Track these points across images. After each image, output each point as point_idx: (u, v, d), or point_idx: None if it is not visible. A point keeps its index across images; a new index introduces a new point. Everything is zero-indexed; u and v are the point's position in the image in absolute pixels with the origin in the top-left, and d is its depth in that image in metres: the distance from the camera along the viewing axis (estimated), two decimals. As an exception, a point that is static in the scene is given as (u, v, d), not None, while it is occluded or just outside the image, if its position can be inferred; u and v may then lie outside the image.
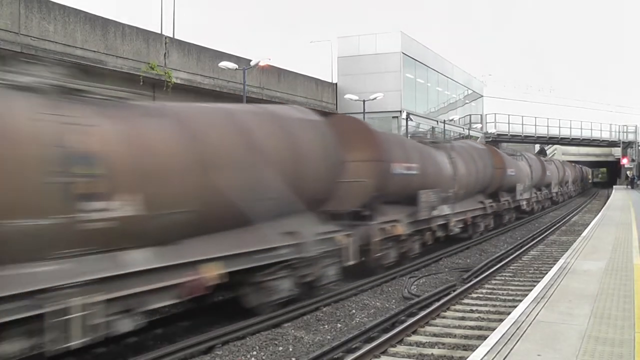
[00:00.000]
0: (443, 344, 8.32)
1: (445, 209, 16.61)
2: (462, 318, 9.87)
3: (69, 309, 6.20)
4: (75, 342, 6.28)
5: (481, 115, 57.47)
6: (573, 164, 57.19)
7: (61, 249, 6.35)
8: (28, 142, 6.13)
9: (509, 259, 15.79)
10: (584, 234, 17.28)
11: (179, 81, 25.14)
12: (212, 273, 8.01)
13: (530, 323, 7.01)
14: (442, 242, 17.27)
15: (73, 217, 6.39)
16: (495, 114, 57.10)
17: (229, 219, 8.51)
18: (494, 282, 13.03)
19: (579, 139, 62.71)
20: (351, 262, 11.24)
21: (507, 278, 13.48)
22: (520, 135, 57.74)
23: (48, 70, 6.93)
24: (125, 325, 6.98)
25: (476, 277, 13.28)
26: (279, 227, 9.54)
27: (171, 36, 27.67)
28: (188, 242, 7.90)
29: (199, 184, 7.84)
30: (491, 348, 6.05)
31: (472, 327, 9.27)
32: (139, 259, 7.15)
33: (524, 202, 27.11)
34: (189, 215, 7.72)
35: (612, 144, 66.09)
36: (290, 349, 8.22)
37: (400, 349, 8.15)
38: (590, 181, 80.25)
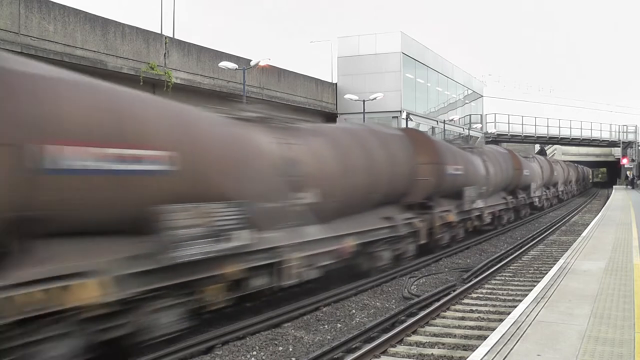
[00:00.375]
0: (443, 344, 8.32)
1: (480, 203, 20.10)
2: (462, 318, 9.88)
3: (286, 261, 9.52)
4: (289, 282, 9.71)
5: (481, 115, 57.46)
6: (575, 165, 57.22)
7: (281, 222, 9.58)
8: (268, 156, 9.43)
9: (509, 259, 15.79)
10: (584, 234, 17.29)
11: (178, 81, 25.16)
12: (350, 244, 11.40)
13: (530, 323, 7.01)
14: (472, 232, 20.15)
15: (288, 203, 9.66)
16: (495, 114, 57.11)
17: (357, 207, 12.01)
18: (494, 282, 13.04)
19: (579, 139, 62.72)
20: (422, 242, 14.89)
21: (507, 278, 13.48)
22: (520, 135, 57.76)
23: (260, 107, 10.29)
24: (311, 274, 10.29)
25: (476, 277, 13.29)
26: (381, 213, 13.08)
27: (171, 36, 27.68)
28: (336, 222, 11.21)
29: (343, 183, 11.19)
30: (491, 348, 6.06)
31: (472, 327, 9.27)
32: (313, 231, 10.29)
33: (536, 199, 31.05)
34: (338, 203, 11.13)
35: (612, 144, 66.11)
36: (290, 349, 8.23)
37: (400, 349, 8.15)
38: (590, 181, 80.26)
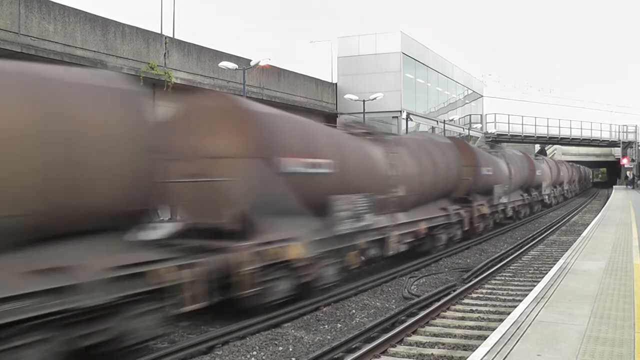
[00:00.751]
0: (443, 344, 8.32)
1: (504, 199, 23.43)
2: (462, 318, 9.88)
3: (390, 237, 13.42)
4: (390, 253, 13.64)
5: (481, 115, 57.46)
6: (577, 165, 57.25)
7: (385, 209, 13.35)
8: (381, 164, 13.53)
9: (509, 259, 15.80)
10: (584, 234, 17.29)
11: (178, 81, 25.15)
12: (424, 226, 15.44)
13: (530, 323, 7.02)
14: (497, 224, 22.65)
15: (390, 195, 13.66)
16: (495, 114, 57.08)
17: (426, 199, 16.06)
18: (494, 282, 13.04)
19: (579, 139, 62.69)
20: (466, 228, 18.54)
21: (507, 278, 13.48)
22: (520, 135, 57.73)
23: (366, 125, 14.93)
24: (402, 247, 14.18)
25: (476, 277, 13.29)
26: (439, 205, 17.10)
27: (171, 36, 27.68)
28: (413, 210, 15.23)
29: (419, 182, 15.36)
30: (491, 348, 6.06)
31: (472, 327, 9.27)
32: (401, 217, 14.26)
33: (547, 196, 34.21)
34: (416, 197, 15.18)
35: (612, 144, 66.08)
36: (290, 349, 8.23)
37: (400, 349, 8.16)
38: (590, 181, 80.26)
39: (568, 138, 62.04)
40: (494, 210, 22.13)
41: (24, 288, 5.97)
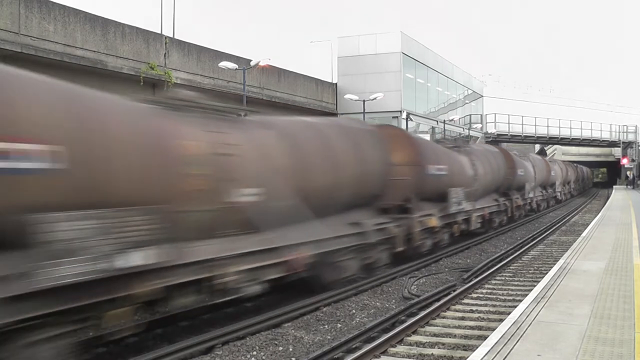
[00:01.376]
0: (443, 344, 8.32)
1: (467, 205, 19.21)
2: (462, 318, 9.87)
3: (472, 217, 18.11)
4: (472, 228, 17.84)
5: (481, 115, 57.47)
6: (574, 164, 57.25)
7: (469, 199, 17.03)
8: (467, 167, 18.66)
9: (509, 259, 15.79)
10: (584, 234, 17.29)
11: (179, 81, 25.13)
12: (487, 212, 19.00)
13: (530, 323, 7.01)
14: (461, 236, 19.49)
15: (472, 189, 17.10)
16: (495, 114, 57.10)
17: (486, 193, 18.15)
18: (494, 282, 13.03)
19: (579, 139, 62.71)
20: (510, 215, 18.86)
21: (507, 278, 13.48)
22: (520, 136, 57.75)
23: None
24: (477, 225, 17.39)
25: (476, 277, 13.29)
26: (347, 218, 12.03)
27: (171, 36, 27.68)
28: (480, 200, 19.04)
29: (484, 180, 17.77)
30: (491, 348, 6.05)
31: (472, 327, 9.26)
32: (477, 204, 17.86)
33: (531, 200, 31.67)
34: (483, 190, 16.82)
35: (612, 144, 66.10)
36: (290, 349, 8.22)
37: (400, 349, 8.15)
38: (591, 181, 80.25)
39: (568, 138, 62.05)
40: (525, 203, 27.71)
41: (346, 231, 11.44)
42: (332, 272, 11.23)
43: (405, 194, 14.61)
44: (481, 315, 10.02)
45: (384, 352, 7.94)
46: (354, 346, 8.13)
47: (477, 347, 6.52)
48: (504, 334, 6.55)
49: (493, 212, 22.33)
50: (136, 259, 6.68)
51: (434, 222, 15.78)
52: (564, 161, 51.29)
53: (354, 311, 10.37)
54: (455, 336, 8.77)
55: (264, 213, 8.97)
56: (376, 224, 12.50)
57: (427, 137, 33.70)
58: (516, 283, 12.92)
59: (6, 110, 5.88)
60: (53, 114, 6.32)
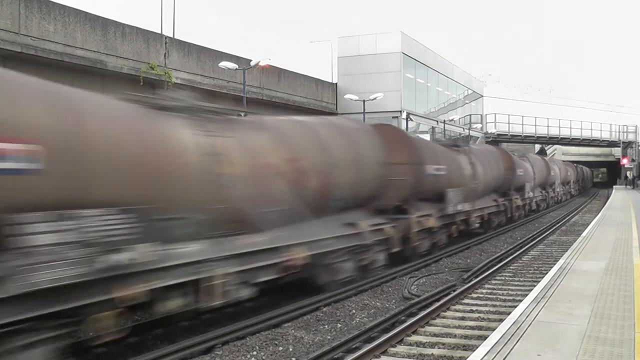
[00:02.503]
0: (443, 344, 8.32)
1: (466, 206, 18.98)
2: (462, 318, 9.87)
3: (471, 217, 18.08)
4: (471, 228, 18.34)
5: (481, 115, 57.47)
6: (574, 164, 57.26)
7: (468, 199, 17.86)
8: (466, 167, 18.49)
9: (509, 259, 15.79)
10: (584, 234, 17.29)
11: (179, 81, 25.14)
12: (485, 213, 18.09)
13: (530, 323, 7.01)
14: (459, 236, 19.14)
15: (471, 189, 17.30)
16: (495, 114, 57.11)
17: (486, 193, 17.54)
18: (494, 282, 13.03)
19: (579, 139, 62.71)
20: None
21: (507, 278, 13.48)
22: (520, 135, 57.76)
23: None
24: (476, 225, 17.06)
25: (476, 277, 13.28)
26: (343, 219, 11.86)
27: (171, 36, 27.69)
28: (479, 200, 19.25)
29: (484, 180, 18.36)
30: (491, 348, 6.05)
31: (472, 327, 9.26)
32: (475, 204, 17.87)
33: (531, 200, 31.24)
34: (482, 190, 16.98)
35: (612, 144, 66.09)
36: (290, 349, 8.22)
37: (400, 349, 8.15)
38: (591, 181, 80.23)
39: (568, 138, 62.06)
40: (525, 203, 27.67)
41: (342, 232, 11.28)
42: (328, 274, 11.04)
43: (402, 194, 14.42)
44: (481, 315, 10.02)
45: (384, 352, 7.94)
46: (354, 346, 8.13)
47: (477, 347, 6.52)
48: (504, 334, 6.55)
49: (492, 212, 22.17)
50: (118, 260, 6.54)
51: (432, 222, 15.61)
52: (564, 161, 51.28)
53: (354, 311, 10.37)
54: (455, 336, 8.77)
55: (257, 214, 8.83)
56: (372, 225, 12.34)
57: (427, 137, 33.26)
58: (516, 283, 12.92)
59: None
60: (30, 112, 6.10)
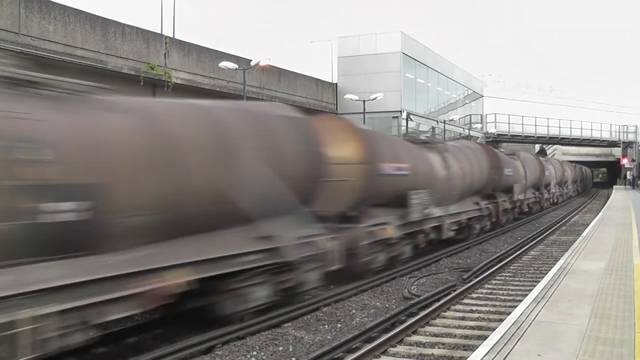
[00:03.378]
0: (443, 344, 8.32)
1: (437, 211, 16.20)
2: (462, 318, 9.87)
3: (444, 224, 16.84)
4: (444, 237, 16.94)
5: (481, 115, 57.47)
6: (573, 164, 57.23)
7: (441, 203, 16.84)
8: (438, 167, 17.34)
9: (509, 259, 15.79)
10: (584, 234, 17.28)
11: (179, 81, 25.15)
12: (464, 217, 18.80)
13: (531, 323, 7.01)
14: (431, 245, 16.96)
15: (444, 192, 16.80)
16: (495, 114, 57.11)
17: (465, 196, 19.23)
18: (494, 282, 13.03)
19: (579, 139, 62.70)
20: (494, 220, 19.34)
21: (507, 278, 13.48)
22: (521, 135, 57.75)
23: None
24: (451, 233, 17.42)
25: (476, 277, 13.28)
26: (256, 232, 9.08)
27: (171, 36, 27.69)
28: (457, 204, 18.53)
29: (462, 181, 18.79)
30: (491, 348, 6.05)
31: (472, 327, 9.26)
32: (451, 208, 17.67)
33: (521, 203, 28.96)
34: (459, 193, 18.51)
35: (612, 144, 66.08)
36: (291, 349, 8.22)
37: (401, 349, 8.15)
38: (591, 182, 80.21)
39: (568, 138, 62.06)
40: (514, 206, 25.75)
41: (248, 248, 8.90)
42: (231, 302, 8.77)
43: (348, 198, 12.41)
44: (481, 315, 10.02)
45: (384, 352, 7.94)
46: (354, 346, 8.13)
47: (477, 347, 6.52)
48: (504, 334, 6.55)
49: (472, 217, 19.67)
50: None
51: (390, 232, 13.40)
52: (562, 161, 51.07)
53: (354, 311, 10.37)
54: (455, 336, 8.77)
55: (454, 197, 10.93)
56: (485, 204, 14.52)
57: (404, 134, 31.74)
58: (516, 283, 12.92)
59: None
60: None
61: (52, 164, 6.19)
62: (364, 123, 30.66)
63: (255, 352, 8.03)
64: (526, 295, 9.22)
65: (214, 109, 9.14)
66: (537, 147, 72.22)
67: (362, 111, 32.25)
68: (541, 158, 37.94)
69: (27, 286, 5.87)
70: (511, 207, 24.88)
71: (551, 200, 37.09)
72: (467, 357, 6.30)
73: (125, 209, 6.91)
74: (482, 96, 59.06)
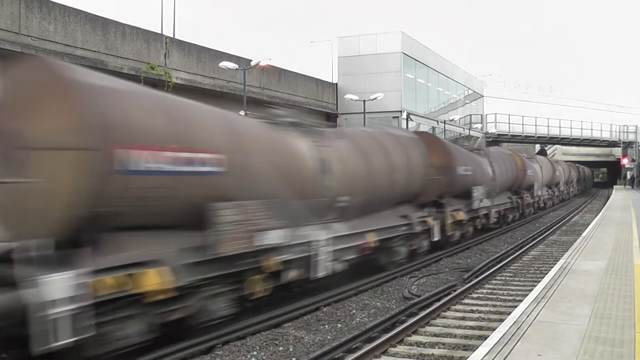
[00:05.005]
0: (443, 344, 8.32)
1: (487, 202, 20.83)
2: (463, 318, 9.87)
3: (318, 254, 10.49)
4: (319, 275, 10.75)
5: (481, 115, 57.44)
6: (575, 165, 57.25)
7: (314, 219, 10.98)
8: (307, 160, 10.62)
9: (509, 259, 15.79)
10: (584, 234, 17.28)
11: (179, 81, 25.15)
12: (371, 239, 13.03)
13: (531, 323, 7.01)
14: (479, 230, 20.73)
15: (320, 199, 10.80)
16: (495, 114, 57.09)
17: (377, 206, 13.60)
18: (494, 282, 13.03)
19: (579, 139, 62.70)
20: (436, 239, 15.88)
21: (507, 278, 13.48)
22: (521, 135, 57.75)
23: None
24: (338, 267, 11.70)
25: (476, 277, 13.28)
26: (399, 212, 14.27)
27: (171, 36, 27.69)
28: (359, 219, 13.44)
29: (367, 184, 12.48)
30: (491, 348, 6.05)
31: (472, 327, 9.26)
32: (339, 228, 12.02)
33: (539, 198, 33.16)
34: (362, 202, 12.68)
35: (612, 144, 66.08)
36: (291, 349, 8.22)
37: (401, 349, 8.15)
38: (591, 181, 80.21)
39: (568, 138, 62.05)
40: (534, 201, 29.01)
41: (399, 222, 13.90)
42: (389, 255, 13.65)
43: (439, 191, 16.59)
44: (481, 315, 10.02)
45: (385, 352, 7.95)
46: (354, 346, 8.14)
47: (477, 347, 6.52)
48: (504, 334, 6.55)
49: (507, 208, 24.70)
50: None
51: (462, 215, 18.12)
52: (566, 161, 51.39)
53: (354, 311, 10.37)
54: (455, 336, 8.77)
55: (347, 208, 11.48)
56: (419, 217, 14.96)
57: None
58: (516, 283, 12.92)
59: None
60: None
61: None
62: (364, 123, 30.74)
63: (255, 352, 8.03)
64: (526, 295, 9.22)
65: (379, 135, 13.96)
66: (538, 147, 72.20)
67: (362, 111, 32.25)
68: (549, 160, 40.57)
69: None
70: (532, 202, 29.59)
71: (561, 197, 41.81)
72: (468, 357, 6.31)
73: (353, 194, 11.66)
74: (483, 96, 59.03)
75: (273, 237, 9.08)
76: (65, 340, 6.23)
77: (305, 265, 9.97)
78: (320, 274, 10.34)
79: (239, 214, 8.33)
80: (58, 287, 6.21)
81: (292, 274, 9.80)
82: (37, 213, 6.68)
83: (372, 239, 12.36)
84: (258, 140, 9.43)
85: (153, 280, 7.29)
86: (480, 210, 20.05)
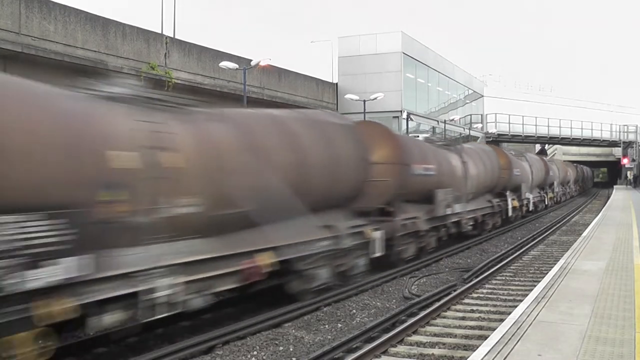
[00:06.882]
0: (444, 343, 8.32)
1: (457, 208, 18.16)
2: (463, 318, 9.87)
3: (463, 219, 16.95)
4: (463, 231, 17.07)
5: (482, 115, 57.45)
6: (574, 164, 57.24)
7: (460, 200, 16.75)
8: (458, 168, 17.12)
9: (509, 259, 15.78)
10: (584, 234, 17.28)
11: (179, 81, 25.16)
12: (479, 214, 17.77)
13: (531, 323, 7.01)
14: (451, 239, 18.53)
15: (463, 190, 17.15)
16: (495, 113, 57.11)
17: (479, 194, 17.52)
18: (494, 282, 13.03)
19: (579, 139, 62.71)
20: (377, 254, 12.82)
21: (507, 278, 13.48)
22: (521, 135, 57.76)
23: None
24: (468, 228, 16.68)
25: (477, 277, 13.28)
26: (320, 221, 10.78)
27: (172, 36, 27.70)
28: (472, 201, 18.21)
29: (477, 181, 17.30)
30: (492, 348, 6.05)
31: (472, 327, 9.27)
32: (468, 205, 17.48)
33: (528, 201, 31.14)
34: (475, 191, 17.08)
35: (612, 144, 66.09)
36: (291, 349, 8.22)
37: (401, 348, 8.15)
38: (592, 181, 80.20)
39: (568, 138, 62.07)
40: (522, 204, 27.13)
41: (316, 235, 10.35)
42: (301, 281, 10.14)
43: (386, 195, 13.87)
44: (482, 315, 10.02)
45: (385, 352, 7.95)
46: (354, 346, 8.14)
47: (477, 347, 6.52)
48: (504, 334, 6.55)
49: (486, 214, 21.53)
50: (42, 275, 5.72)
51: (516, 203, 18.93)
52: (564, 161, 51.29)
53: (354, 311, 10.37)
54: (455, 336, 8.77)
55: (470, 195, 12.10)
56: (497, 202, 15.29)
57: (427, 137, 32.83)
58: (517, 283, 12.92)
59: None
60: None
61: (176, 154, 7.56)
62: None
63: (255, 352, 8.03)
64: (527, 295, 9.22)
65: (286, 118, 10.66)
66: (538, 147, 72.20)
67: (363, 111, 32.25)
68: (542, 158, 38.33)
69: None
70: (519, 205, 26.72)
71: (555, 199, 39.07)
72: (468, 357, 6.31)
73: (473, 187, 15.87)
74: (483, 96, 59.05)
75: (455, 209, 14.57)
76: (379, 253, 12.44)
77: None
78: (463, 230, 14.36)
79: None
80: (397, 223, 13.79)
81: (453, 229, 15.28)
82: (382, 194, 13.56)
83: (265, 260, 9.01)
84: (442, 156, 17.61)
85: (418, 225, 15.01)
86: (448, 217, 17.07)
